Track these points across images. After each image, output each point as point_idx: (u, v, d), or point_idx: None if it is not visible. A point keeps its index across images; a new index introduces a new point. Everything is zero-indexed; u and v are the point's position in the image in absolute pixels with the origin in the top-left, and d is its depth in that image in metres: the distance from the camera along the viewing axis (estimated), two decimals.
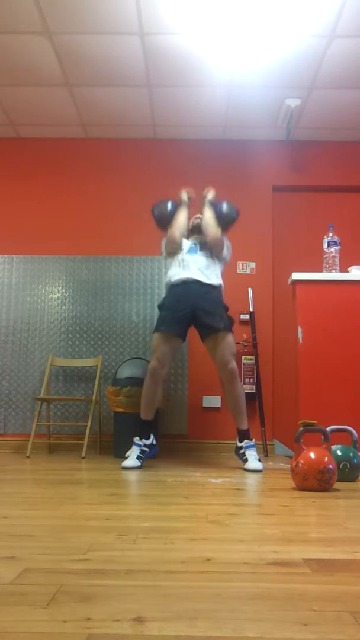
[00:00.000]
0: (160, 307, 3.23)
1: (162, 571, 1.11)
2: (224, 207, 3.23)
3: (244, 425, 3.03)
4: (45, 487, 2.30)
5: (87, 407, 3.88)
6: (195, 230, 3.30)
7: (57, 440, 3.88)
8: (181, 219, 3.20)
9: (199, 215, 3.34)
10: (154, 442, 3.06)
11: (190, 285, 3.10)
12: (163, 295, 4.03)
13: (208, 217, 3.20)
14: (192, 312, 3.05)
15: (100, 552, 1.24)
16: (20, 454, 3.65)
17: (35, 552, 1.25)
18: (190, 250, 3.19)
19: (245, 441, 2.98)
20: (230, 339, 3.04)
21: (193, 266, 3.13)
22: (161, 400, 3.16)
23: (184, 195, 3.30)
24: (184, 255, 3.18)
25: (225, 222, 3.22)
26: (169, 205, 3.24)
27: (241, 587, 1.02)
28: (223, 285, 3.21)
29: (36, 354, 4.05)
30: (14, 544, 1.32)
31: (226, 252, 3.25)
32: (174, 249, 3.20)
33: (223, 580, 1.06)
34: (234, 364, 3.00)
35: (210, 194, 3.31)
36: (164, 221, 3.25)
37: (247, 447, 2.96)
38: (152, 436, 3.05)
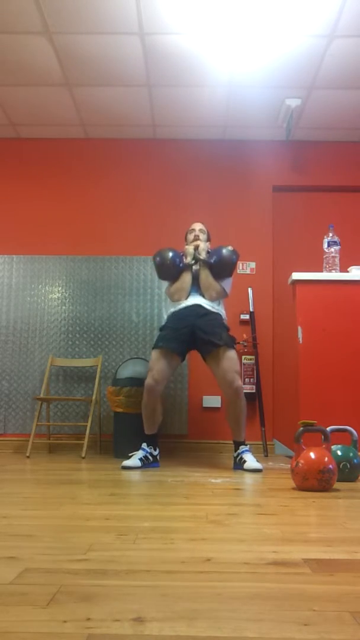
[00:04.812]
0: (160, 328, 3.24)
1: (162, 571, 1.11)
2: (223, 253, 3.17)
3: (242, 438, 3.03)
4: (45, 487, 2.30)
5: (87, 407, 3.88)
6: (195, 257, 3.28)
7: (57, 440, 3.88)
8: (185, 283, 3.19)
9: (196, 224, 3.37)
10: (158, 458, 3.06)
11: (191, 308, 3.12)
12: (163, 295, 4.05)
13: (205, 279, 3.17)
14: (191, 330, 3.05)
15: (100, 552, 1.24)
16: (20, 454, 3.65)
17: (35, 552, 1.25)
18: (192, 293, 3.20)
19: (241, 447, 2.99)
20: (232, 354, 3.01)
21: (193, 299, 3.17)
22: (161, 414, 3.14)
23: (189, 250, 3.26)
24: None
25: (226, 268, 3.18)
26: (170, 253, 3.20)
27: (241, 587, 1.02)
28: (225, 315, 3.22)
29: (36, 354, 4.05)
30: (14, 544, 1.32)
31: (227, 291, 3.25)
32: (173, 301, 3.24)
33: (223, 580, 1.05)
34: (239, 382, 2.97)
35: (202, 251, 3.25)
36: (165, 270, 3.23)
37: (243, 451, 2.97)
38: (158, 450, 3.05)
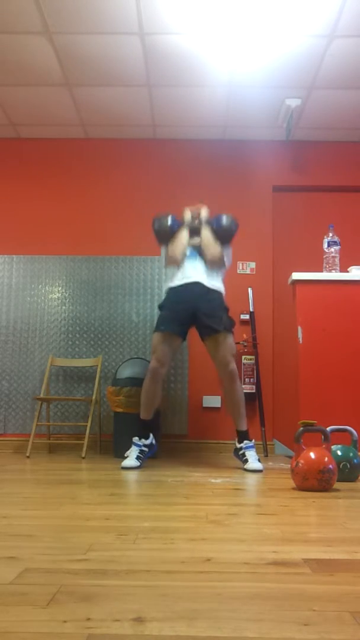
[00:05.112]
0: (160, 307, 3.23)
1: (162, 571, 1.11)
2: (224, 220, 3.20)
3: (244, 426, 3.03)
4: (45, 487, 2.30)
5: (87, 407, 3.88)
6: (193, 232, 3.29)
7: (57, 440, 3.88)
8: (182, 239, 3.19)
9: (195, 208, 3.35)
10: (153, 442, 3.06)
11: (191, 287, 3.10)
12: (163, 295, 4.05)
13: (206, 237, 3.17)
14: (192, 312, 3.05)
15: (100, 552, 1.24)
16: (20, 454, 3.64)
17: (35, 552, 1.25)
18: (190, 256, 3.18)
19: (245, 442, 2.98)
20: (230, 339, 3.04)
21: (193, 271, 3.13)
22: (160, 400, 3.16)
23: (187, 215, 3.29)
24: (184, 261, 3.17)
25: (226, 236, 3.20)
26: (169, 220, 3.23)
27: (241, 587, 1.02)
28: (224, 291, 3.20)
29: (36, 354, 4.05)
30: (14, 544, 1.32)
31: (227, 262, 3.25)
32: (174, 266, 3.21)
33: (223, 580, 1.06)
34: (234, 365, 3.01)
35: (204, 212, 3.30)
36: (163, 235, 3.25)
37: (247, 447, 2.96)
38: (151, 435, 3.05)
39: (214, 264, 3.14)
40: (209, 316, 3.03)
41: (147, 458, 2.99)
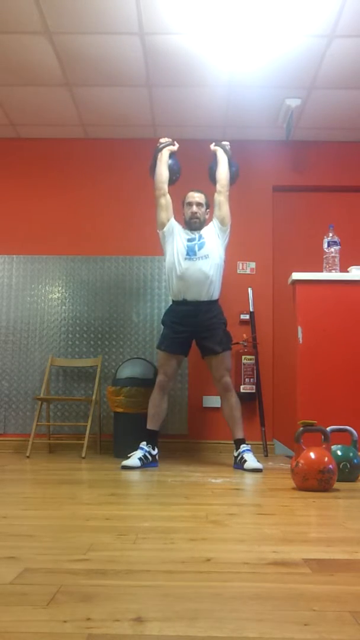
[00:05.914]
0: (163, 322, 3.31)
1: (162, 571, 1.11)
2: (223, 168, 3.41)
3: (240, 434, 3.07)
4: (45, 487, 2.30)
5: (87, 407, 3.88)
6: (192, 225, 3.31)
7: (57, 440, 3.88)
8: (164, 155, 3.43)
9: (193, 194, 3.38)
10: (157, 457, 3.07)
11: (190, 307, 3.16)
12: (163, 295, 4.06)
13: (225, 166, 3.36)
14: (191, 333, 3.18)
15: (100, 552, 1.24)
16: (20, 454, 3.64)
17: (35, 552, 1.25)
18: (189, 253, 3.18)
19: (242, 446, 3.01)
20: (226, 356, 3.16)
21: (193, 280, 3.14)
22: (166, 411, 3.23)
23: (162, 139, 3.51)
24: (182, 262, 3.17)
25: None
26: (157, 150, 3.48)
27: (241, 587, 1.02)
28: (220, 284, 3.24)
29: (36, 354, 4.05)
30: (14, 544, 1.32)
31: (227, 209, 3.33)
32: (159, 190, 3.38)
33: (223, 580, 1.06)
34: (227, 378, 3.12)
35: (227, 144, 3.47)
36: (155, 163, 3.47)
37: (244, 451, 2.99)
38: (157, 449, 3.07)
39: (223, 186, 3.33)
40: (207, 338, 3.15)
41: (147, 467, 2.96)
